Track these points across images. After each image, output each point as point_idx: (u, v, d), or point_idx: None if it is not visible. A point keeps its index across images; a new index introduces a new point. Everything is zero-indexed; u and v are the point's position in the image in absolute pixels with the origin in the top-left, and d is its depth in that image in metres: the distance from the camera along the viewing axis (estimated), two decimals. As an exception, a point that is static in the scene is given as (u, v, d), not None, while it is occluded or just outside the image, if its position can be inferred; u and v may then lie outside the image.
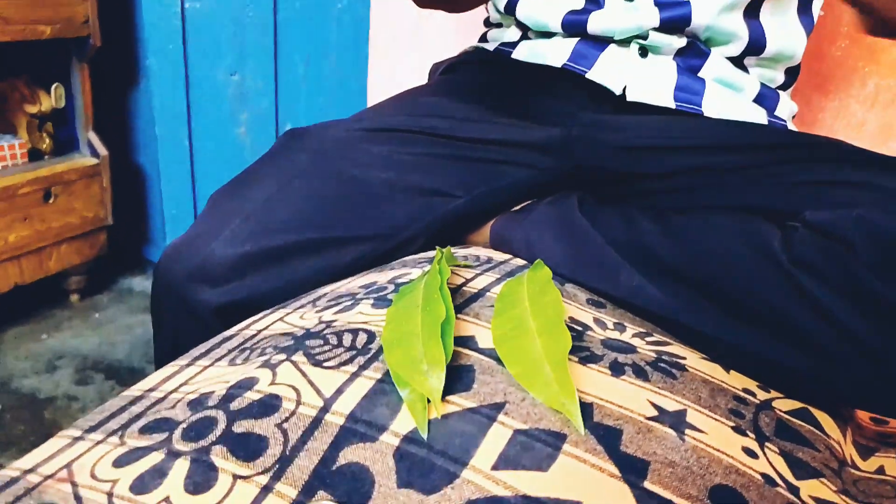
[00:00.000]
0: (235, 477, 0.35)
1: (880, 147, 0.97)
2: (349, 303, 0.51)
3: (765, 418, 0.43)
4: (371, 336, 0.45)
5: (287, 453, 0.36)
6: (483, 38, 0.79)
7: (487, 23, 0.79)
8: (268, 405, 0.39)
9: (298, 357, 0.43)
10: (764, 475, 0.39)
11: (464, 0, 0.56)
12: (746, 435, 0.41)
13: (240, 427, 0.38)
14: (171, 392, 0.43)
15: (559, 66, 0.67)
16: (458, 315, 0.48)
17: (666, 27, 0.63)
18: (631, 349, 0.48)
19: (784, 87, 0.72)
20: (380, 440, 0.37)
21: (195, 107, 1.39)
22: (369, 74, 1.29)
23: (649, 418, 0.40)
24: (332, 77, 1.37)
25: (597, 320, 0.52)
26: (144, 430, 0.39)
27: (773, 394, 0.47)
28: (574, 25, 0.67)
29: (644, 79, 0.65)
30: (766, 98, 0.68)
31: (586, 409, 0.39)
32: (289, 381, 0.41)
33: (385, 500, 0.34)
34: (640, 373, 0.44)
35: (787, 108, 0.70)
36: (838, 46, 0.96)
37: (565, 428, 0.38)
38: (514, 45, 0.72)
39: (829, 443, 0.44)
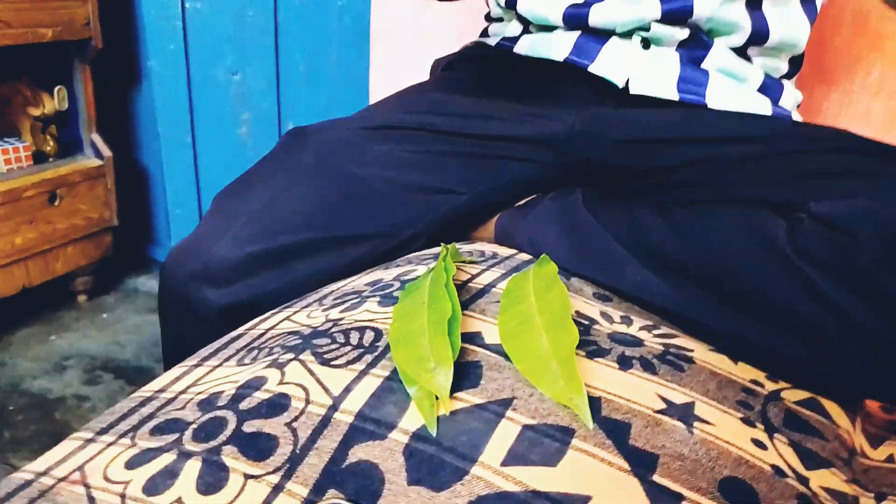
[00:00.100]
0: (246, 476, 0.35)
1: (886, 135, 0.96)
2: (355, 301, 0.52)
3: (773, 409, 0.43)
4: (378, 334, 0.45)
5: (297, 452, 0.36)
6: (484, 33, 0.79)
7: (488, 17, 0.79)
8: (277, 404, 0.39)
9: (306, 356, 0.43)
10: (774, 466, 0.39)
11: None
12: (755, 426, 0.41)
13: (250, 427, 0.38)
14: (180, 393, 0.43)
15: (561, 60, 0.66)
16: (465, 311, 0.48)
17: (668, 19, 0.63)
18: (638, 342, 0.48)
19: (788, 76, 0.71)
20: (389, 438, 0.37)
21: (197, 106, 1.39)
22: (371, 71, 1.28)
23: (657, 411, 0.40)
24: (334, 74, 1.37)
25: (603, 314, 0.52)
26: (155, 432, 0.39)
27: (782, 384, 0.47)
28: (575, 18, 0.67)
29: (647, 70, 0.65)
30: (770, 88, 0.68)
31: (594, 403, 0.39)
32: (297, 380, 0.41)
33: (395, 498, 0.34)
34: (647, 366, 0.44)
35: (791, 97, 0.70)
36: (842, 36, 0.96)
37: (574, 423, 0.38)
38: (515, 39, 0.72)
39: (839, 432, 0.44)
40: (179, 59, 1.35)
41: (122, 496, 0.35)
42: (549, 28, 0.70)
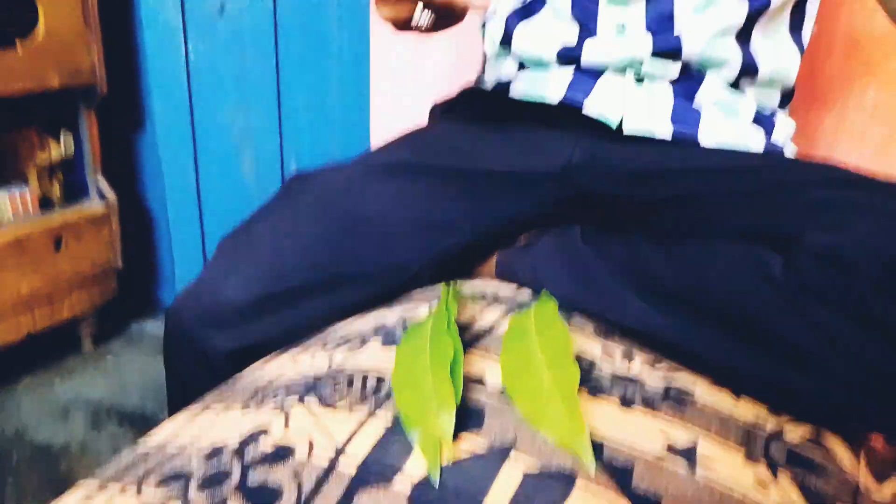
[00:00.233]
0: (251, 527, 0.35)
1: (883, 157, 0.97)
2: (358, 343, 0.52)
3: (776, 445, 0.43)
4: (381, 377, 0.45)
5: (302, 502, 0.36)
6: (481, 75, 0.81)
7: (485, 59, 0.81)
8: (281, 453, 0.39)
9: (310, 400, 0.44)
10: (780, 504, 0.38)
11: (445, 23, 0.56)
12: (758, 463, 0.41)
13: (254, 477, 0.38)
14: (185, 442, 0.43)
15: (556, 102, 0.68)
16: (468, 352, 0.48)
17: (659, 54, 0.64)
18: (640, 379, 0.48)
19: (781, 106, 0.72)
20: (392, 484, 0.37)
21: (201, 148, 1.41)
22: (371, 110, 1.30)
23: (660, 452, 0.40)
24: (335, 114, 1.39)
25: (605, 351, 0.52)
26: (162, 482, 0.39)
27: (785, 418, 0.47)
28: (568, 57, 0.68)
29: (641, 106, 0.65)
30: (763, 119, 0.69)
31: (597, 445, 0.39)
32: (301, 426, 0.41)
33: (401, 546, 0.34)
34: (649, 403, 0.44)
35: (784, 127, 0.70)
36: (834, 61, 0.97)
37: (577, 465, 0.38)
38: (510, 80, 0.73)
39: (843, 468, 0.44)
40: (183, 103, 1.37)
41: (127, 551, 0.35)
42: (543, 65, 0.71)
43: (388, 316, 0.57)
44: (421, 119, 0.83)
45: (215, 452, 0.41)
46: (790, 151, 0.71)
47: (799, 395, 0.46)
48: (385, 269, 0.63)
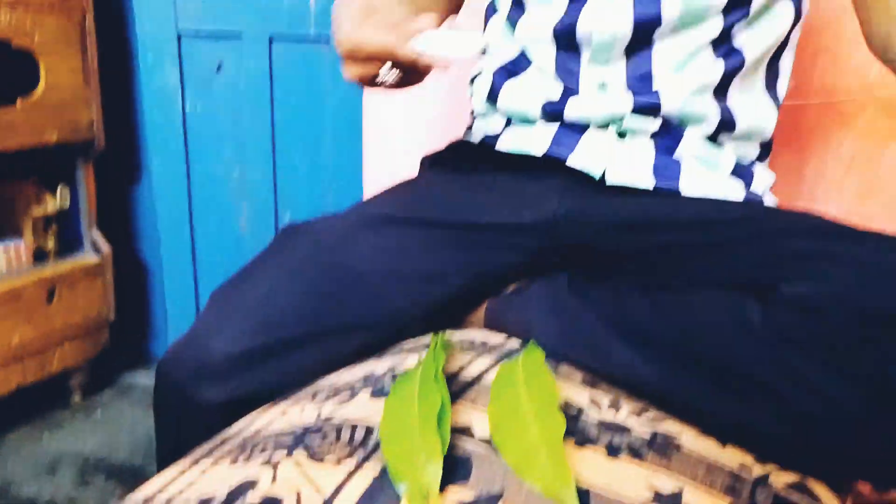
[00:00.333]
0: (237, 583, 0.35)
1: (861, 206, 0.99)
2: (348, 395, 0.52)
3: (762, 493, 0.43)
4: (369, 429, 0.46)
5: (288, 555, 0.36)
6: (469, 129, 0.83)
7: (472, 114, 0.83)
8: (269, 506, 0.39)
9: (299, 453, 0.44)
10: (766, 553, 0.39)
11: (410, 80, 0.58)
12: (746, 512, 0.41)
13: (241, 530, 0.38)
14: (174, 495, 0.43)
15: (540, 154, 0.70)
16: (456, 402, 0.49)
17: (640, 111, 0.67)
18: (626, 429, 0.48)
19: (760, 159, 0.75)
20: (380, 537, 0.37)
21: (196, 201, 1.43)
22: (364, 164, 1.33)
23: (646, 500, 0.40)
24: (329, 167, 1.42)
25: (592, 400, 0.53)
26: (147, 538, 0.39)
27: (770, 466, 0.47)
28: (552, 113, 0.70)
29: (623, 160, 0.68)
30: (742, 172, 0.71)
31: (583, 496, 0.39)
32: (289, 480, 0.41)
33: None
34: (636, 453, 0.45)
35: (763, 179, 0.73)
36: (810, 115, 1.00)
37: (564, 515, 0.38)
38: (497, 134, 0.75)
39: (830, 516, 0.44)
40: (179, 157, 1.40)
41: None
42: (529, 121, 0.74)
43: (378, 367, 0.58)
44: (412, 171, 0.85)
45: (203, 506, 0.41)
46: (770, 201, 0.73)
47: (783, 443, 0.46)
48: (375, 320, 0.63)
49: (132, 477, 1.22)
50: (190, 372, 0.60)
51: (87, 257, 1.43)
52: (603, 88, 0.68)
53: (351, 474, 0.41)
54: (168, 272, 1.45)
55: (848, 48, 0.96)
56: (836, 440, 0.44)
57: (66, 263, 1.39)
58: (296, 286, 0.63)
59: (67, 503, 1.15)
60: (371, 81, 0.57)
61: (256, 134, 1.40)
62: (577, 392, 0.53)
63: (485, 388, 0.51)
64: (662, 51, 0.66)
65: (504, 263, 0.70)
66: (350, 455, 0.43)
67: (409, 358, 0.58)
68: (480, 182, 0.73)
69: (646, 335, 0.54)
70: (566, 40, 0.69)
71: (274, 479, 0.42)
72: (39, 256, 1.39)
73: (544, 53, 0.71)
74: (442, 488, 0.39)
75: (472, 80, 0.82)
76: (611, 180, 0.67)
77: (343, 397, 0.52)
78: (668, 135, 0.68)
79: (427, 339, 0.64)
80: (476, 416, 0.47)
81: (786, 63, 0.73)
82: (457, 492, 0.39)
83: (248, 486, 0.42)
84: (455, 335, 0.66)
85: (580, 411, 0.50)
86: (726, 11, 0.65)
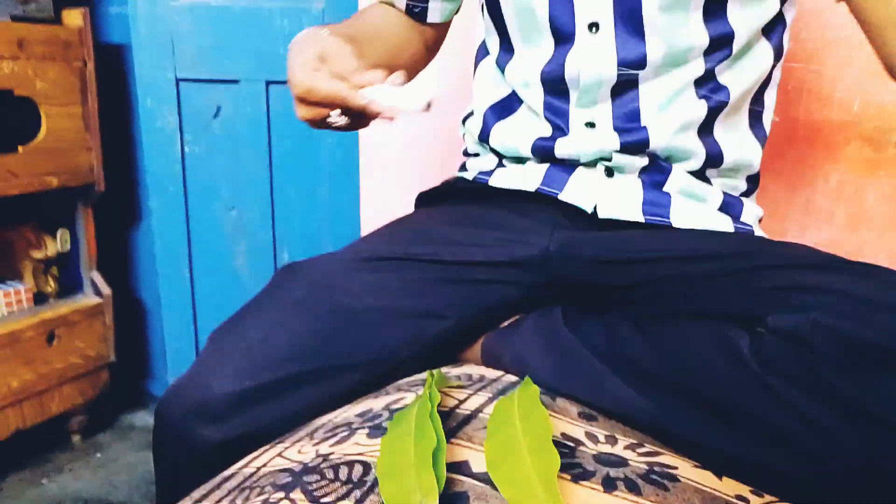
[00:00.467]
0: None
1: (851, 236, 1.01)
2: (345, 433, 0.53)
3: (757, 525, 0.44)
4: (367, 467, 0.46)
5: None
6: (463, 168, 0.85)
7: (466, 153, 0.85)
8: (267, 547, 0.40)
9: (296, 495, 0.44)
10: (762, 585, 0.39)
11: (357, 125, 0.62)
12: (741, 544, 0.42)
13: (240, 572, 0.38)
14: (172, 539, 0.43)
15: (533, 190, 0.71)
16: (452, 439, 0.50)
17: (627, 149, 0.69)
18: (623, 462, 0.49)
19: (747, 193, 0.76)
20: (378, 576, 0.37)
21: (195, 242, 1.45)
22: (361, 202, 1.35)
23: (643, 534, 0.41)
24: (326, 206, 1.44)
25: (588, 434, 0.53)
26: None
27: (767, 498, 0.47)
28: (542, 150, 0.72)
29: (612, 197, 0.69)
30: (730, 206, 0.72)
31: (578, 529, 0.40)
32: (287, 520, 0.42)
33: None
34: (632, 487, 0.45)
35: (751, 213, 0.74)
36: (798, 148, 1.03)
37: (559, 551, 0.38)
38: (490, 172, 0.77)
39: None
40: (178, 199, 1.42)
41: None
42: (520, 160, 0.76)
43: (375, 404, 0.58)
44: (408, 209, 0.87)
45: (202, 549, 0.41)
46: (759, 234, 0.75)
47: (778, 475, 0.47)
48: (372, 358, 0.64)
49: (131, 520, 1.21)
50: (189, 412, 0.61)
51: (87, 299, 1.44)
52: (591, 128, 0.70)
53: (349, 514, 0.42)
54: (167, 313, 1.46)
55: (831, 82, 0.99)
56: (832, 470, 0.45)
57: (66, 305, 1.39)
58: (293, 326, 0.64)
59: (65, 549, 1.14)
60: (320, 123, 0.61)
61: (254, 175, 1.42)
62: (573, 426, 0.54)
63: (482, 423, 0.52)
64: (648, 91, 0.69)
65: (498, 299, 0.71)
66: (347, 494, 0.43)
67: (406, 395, 0.59)
68: (474, 218, 0.75)
69: (639, 368, 0.55)
70: (554, 83, 0.71)
71: (272, 520, 0.42)
72: (40, 299, 1.40)
73: (533, 95, 0.73)
74: (439, 526, 0.40)
75: (465, 120, 0.84)
76: (602, 214, 0.69)
77: (341, 436, 0.52)
78: (656, 171, 0.70)
79: (424, 377, 0.65)
80: (473, 453, 0.48)
81: (769, 99, 0.75)
82: (453, 529, 0.40)
83: (247, 527, 0.42)
84: (452, 371, 0.66)
85: (576, 445, 0.51)
86: (708, 53, 0.67)
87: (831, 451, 0.43)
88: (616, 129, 0.69)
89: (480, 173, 0.79)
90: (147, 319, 1.60)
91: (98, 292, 1.44)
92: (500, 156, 0.78)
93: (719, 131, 0.71)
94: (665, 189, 0.70)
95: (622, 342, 0.58)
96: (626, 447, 0.51)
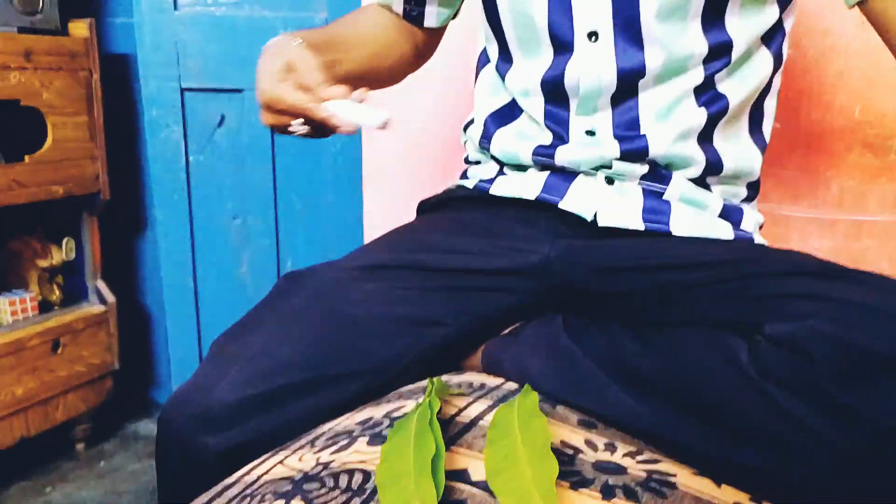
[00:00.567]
0: None
1: (854, 242, 1.01)
2: (345, 441, 0.53)
3: (756, 533, 0.44)
4: (367, 475, 0.46)
5: None
6: (464, 175, 0.85)
7: (467, 160, 0.86)
8: (267, 555, 0.40)
9: (297, 502, 0.45)
10: None
11: (318, 134, 0.64)
12: (740, 552, 0.42)
13: (240, 580, 0.39)
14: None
15: (533, 198, 0.72)
16: (452, 447, 0.50)
17: (627, 157, 0.69)
18: (621, 470, 0.49)
19: (748, 200, 0.76)
20: (377, 584, 0.37)
21: (199, 250, 1.45)
22: (364, 209, 1.36)
23: (641, 541, 0.41)
24: (330, 214, 1.44)
25: (588, 441, 0.53)
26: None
27: (766, 506, 0.47)
28: (543, 158, 0.73)
29: (613, 204, 0.70)
30: (730, 213, 0.72)
31: (576, 537, 0.40)
32: (287, 528, 0.42)
33: None
34: (630, 494, 0.45)
35: (752, 220, 0.74)
36: (799, 155, 1.03)
37: (557, 558, 0.38)
38: (491, 180, 0.77)
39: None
40: (183, 208, 1.42)
41: None
42: (521, 168, 0.76)
43: (376, 412, 0.59)
44: (411, 216, 0.87)
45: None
46: (759, 241, 0.75)
47: (777, 482, 0.47)
48: (373, 365, 0.64)
49: (134, 529, 1.21)
50: (191, 420, 0.61)
51: (91, 307, 1.45)
52: (591, 136, 0.71)
53: (348, 521, 0.42)
54: (171, 321, 1.46)
55: (832, 89, 0.99)
56: (831, 477, 0.45)
57: (71, 314, 1.40)
58: (294, 334, 0.65)
59: (69, 557, 1.14)
60: (283, 130, 0.64)
61: (258, 184, 1.43)
62: (572, 434, 0.54)
63: (482, 431, 0.52)
64: (647, 99, 0.69)
65: (499, 306, 0.71)
66: (347, 502, 0.44)
67: (407, 403, 0.59)
68: (475, 226, 0.75)
69: (638, 376, 0.55)
70: (554, 91, 0.71)
71: (272, 527, 0.42)
72: (45, 307, 1.41)
73: (533, 103, 0.73)
74: (437, 534, 0.40)
75: (466, 128, 0.84)
76: (603, 222, 0.69)
77: (341, 444, 0.53)
78: (656, 178, 0.70)
79: (425, 385, 0.65)
80: (473, 462, 0.48)
81: (769, 107, 0.76)
82: (452, 537, 0.40)
83: (247, 535, 0.42)
84: (453, 378, 0.66)
85: (576, 452, 0.51)
86: (707, 61, 0.67)
87: (829, 458, 0.43)
88: (616, 136, 0.69)
89: (481, 181, 0.79)
90: (151, 328, 1.60)
91: (103, 301, 1.45)
92: (500, 163, 0.78)
93: (719, 139, 0.71)
94: (665, 197, 0.70)
95: (622, 349, 0.58)
96: (626, 455, 0.52)
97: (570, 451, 0.51)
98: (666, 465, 0.50)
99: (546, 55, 0.71)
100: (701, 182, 0.72)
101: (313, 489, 0.46)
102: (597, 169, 0.71)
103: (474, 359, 0.72)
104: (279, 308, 0.68)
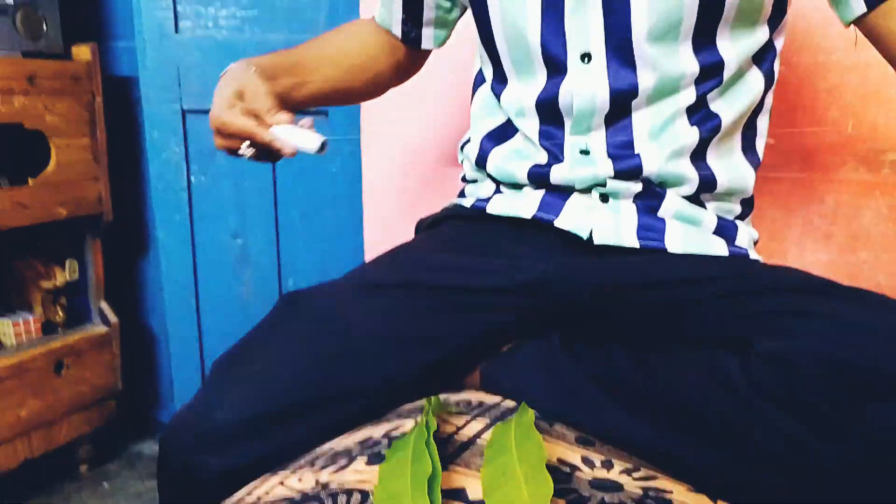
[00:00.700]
0: None
1: (849, 256, 1.01)
2: (345, 461, 0.53)
3: (750, 549, 0.44)
4: (365, 495, 0.47)
5: None
6: (462, 194, 0.86)
7: (464, 179, 0.87)
8: (266, 575, 0.40)
9: (296, 522, 0.45)
10: None
11: (266, 157, 0.69)
12: (735, 568, 0.42)
13: None
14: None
15: (529, 217, 0.73)
16: (450, 465, 0.50)
17: (621, 176, 0.70)
18: (618, 487, 0.49)
19: (742, 216, 0.77)
20: None
21: (201, 270, 1.46)
22: (364, 228, 1.37)
23: (637, 559, 0.41)
24: (330, 232, 1.45)
25: (585, 459, 0.54)
26: None
27: (761, 522, 0.48)
28: (538, 177, 0.74)
29: (608, 222, 0.70)
30: (725, 229, 0.73)
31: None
32: (286, 548, 0.42)
33: None
34: (626, 511, 0.46)
35: (746, 235, 0.75)
36: (793, 170, 1.03)
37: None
38: (488, 199, 0.78)
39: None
40: (184, 228, 1.44)
41: None
42: (517, 187, 0.77)
43: (375, 431, 0.59)
44: (412, 234, 0.88)
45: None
46: (754, 256, 0.75)
47: (771, 497, 0.47)
48: (373, 385, 0.65)
49: (137, 550, 1.21)
50: (193, 441, 0.62)
51: (95, 328, 1.45)
52: (585, 155, 0.72)
53: (346, 541, 0.42)
54: (174, 341, 1.47)
55: (825, 104, 1.00)
56: (824, 493, 0.45)
57: (75, 335, 1.41)
58: (295, 354, 0.65)
59: (72, 579, 1.14)
60: (234, 153, 0.69)
61: (259, 204, 1.44)
62: (569, 452, 0.55)
63: (479, 449, 0.53)
64: (640, 119, 0.70)
65: (497, 325, 0.72)
66: (346, 522, 0.44)
67: (405, 422, 0.60)
68: (472, 245, 0.76)
69: (634, 393, 0.55)
70: (548, 111, 0.72)
71: (272, 548, 0.43)
72: (48, 328, 1.42)
73: (528, 123, 0.75)
74: (435, 553, 0.40)
75: (463, 147, 0.86)
76: (598, 240, 0.70)
77: (341, 463, 0.53)
78: (650, 196, 0.71)
79: (423, 404, 0.65)
80: (470, 480, 0.48)
81: (762, 124, 0.77)
82: (449, 556, 0.40)
83: (247, 556, 0.43)
84: (451, 397, 0.67)
85: (573, 470, 0.51)
86: (699, 81, 0.69)
87: (820, 472, 0.44)
88: (610, 155, 0.70)
89: (478, 200, 0.80)
90: (155, 348, 1.61)
91: (106, 321, 1.46)
92: (497, 182, 0.79)
93: (712, 157, 0.72)
94: (660, 214, 0.71)
95: (617, 367, 0.59)
96: (622, 472, 0.52)
97: (567, 469, 0.51)
98: (662, 482, 0.51)
99: (540, 76, 0.72)
100: (695, 199, 0.73)
101: (312, 509, 0.46)
102: (591, 187, 0.72)
103: (473, 377, 0.73)
104: (279, 328, 0.69)
